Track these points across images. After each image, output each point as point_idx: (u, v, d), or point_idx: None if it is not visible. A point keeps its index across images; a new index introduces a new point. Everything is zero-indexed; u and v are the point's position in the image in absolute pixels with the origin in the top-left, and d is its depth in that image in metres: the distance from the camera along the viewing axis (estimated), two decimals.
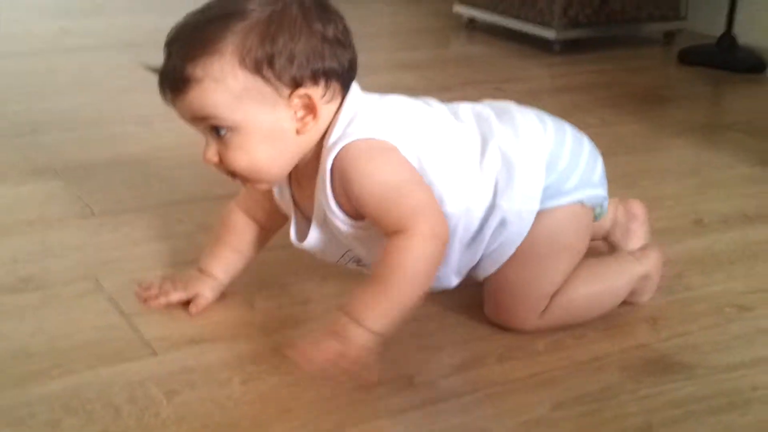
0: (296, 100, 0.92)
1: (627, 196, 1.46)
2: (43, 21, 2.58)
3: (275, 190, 1.04)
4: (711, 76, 2.28)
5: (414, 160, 0.95)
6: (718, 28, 2.39)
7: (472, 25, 2.74)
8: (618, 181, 1.52)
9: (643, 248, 1.15)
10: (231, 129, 0.91)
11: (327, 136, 0.95)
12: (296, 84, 0.91)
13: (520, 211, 1.00)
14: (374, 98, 0.99)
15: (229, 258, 1.09)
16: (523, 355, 1.00)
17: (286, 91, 0.91)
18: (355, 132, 0.93)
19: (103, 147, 1.64)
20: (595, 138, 1.74)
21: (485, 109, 1.05)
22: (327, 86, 0.93)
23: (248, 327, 1.04)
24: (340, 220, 0.96)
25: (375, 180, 0.92)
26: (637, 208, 1.22)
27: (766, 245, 1.30)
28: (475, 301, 1.10)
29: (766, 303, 1.14)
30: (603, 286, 1.07)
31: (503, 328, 1.04)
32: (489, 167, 0.99)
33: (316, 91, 0.92)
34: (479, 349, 1.01)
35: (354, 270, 1.07)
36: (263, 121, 0.91)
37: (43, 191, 1.40)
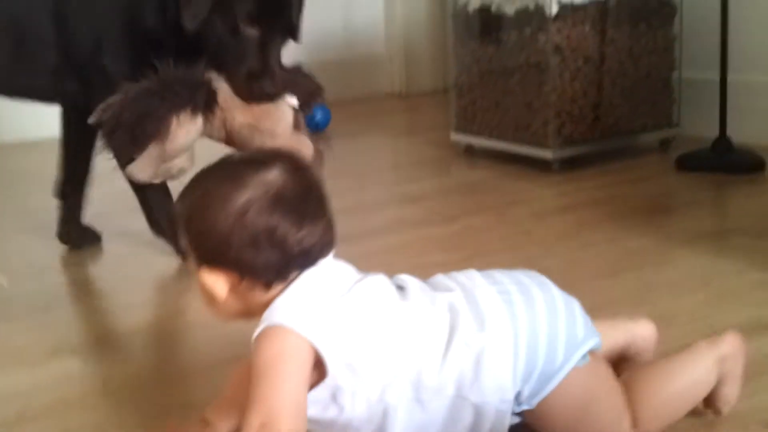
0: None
1: (640, 314, 1.46)
2: None
3: None
4: (711, 180, 2.31)
5: (333, 351, 0.96)
6: (712, 131, 2.43)
7: (470, 151, 2.80)
8: (628, 300, 1.53)
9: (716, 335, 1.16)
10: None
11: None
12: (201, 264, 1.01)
13: (492, 403, 1.00)
14: (319, 285, 1.01)
15: (235, 412, 1.09)
16: None
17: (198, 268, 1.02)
18: (275, 316, 0.97)
19: (119, 317, 1.66)
20: (602, 256, 1.77)
21: (457, 296, 1.05)
22: (243, 277, 1.00)
23: None
24: None
25: (258, 360, 0.95)
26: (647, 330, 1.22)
27: None
28: None
29: None
30: (683, 379, 1.10)
31: None
32: (453, 360, 0.99)
33: (224, 275, 1.00)
34: None
35: None
36: (204, 282, 1.03)
37: (61, 372, 1.41)
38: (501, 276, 1.09)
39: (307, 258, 1.00)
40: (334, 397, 0.98)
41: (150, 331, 1.55)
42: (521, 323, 1.02)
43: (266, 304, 0.99)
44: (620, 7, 2.54)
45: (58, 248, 2.06)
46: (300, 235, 0.99)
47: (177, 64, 1.54)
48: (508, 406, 1.01)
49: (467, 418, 1.01)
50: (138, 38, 1.73)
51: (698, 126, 2.66)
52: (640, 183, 2.34)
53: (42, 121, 3.02)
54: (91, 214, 2.11)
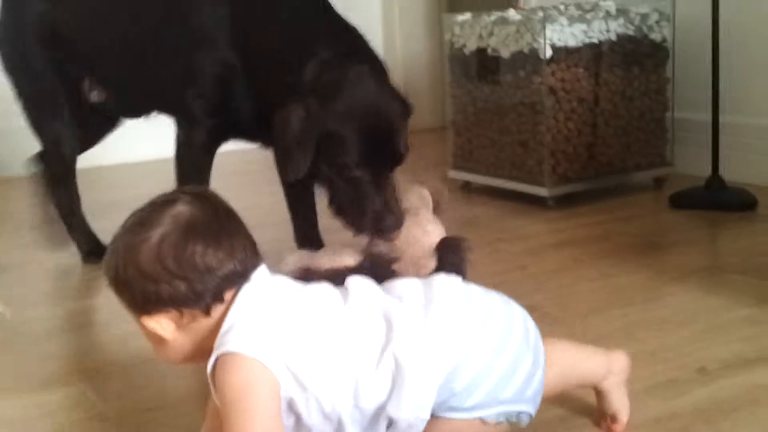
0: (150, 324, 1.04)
1: (627, 350, 1.49)
2: None
3: None
4: (703, 218, 2.34)
5: (281, 368, 0.99)
6: (705, 170, 2.47)
7: (467, 188, 2.84)
8: (618, 335, 1.56)
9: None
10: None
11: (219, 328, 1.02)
12: (140, 313, 1.03)
13: (407, 419, 1.02)
14: (261, 301, 1.04)
15: None
16: None
17: (137, 316, 1.04)
18: (229, 343, 0.99)
19: (117, 347, 1.69)
20: (594, 292, 1.80)
21: (408, 306, 1.06)
22: (168, 314, 1.03)
23: None
24: None
25: (225, 393, 0.98)
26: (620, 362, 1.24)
27: (767, 389, 1.32)
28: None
29: None
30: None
31: None
32: (384, 371, 1.01)
33: (161, 321, 1.03)
34: None
35: None
36: (147, 333, 1.07)
37: (60, 400, 1.43)
38: (479, 297, 1.11)
39: (235, 275, 1.03)
40: (290, 407, 1.01)
41: (148, 363, 1.58)
42: (458, 352, 1.03)
43: (214, 330, 1.02)
44: (613, 51, 2.60)
45: (59, 279, 2.10)
46: (221, 255, 1.02)
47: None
48: (421, 424, 1.02)
49: (382, 428, 1.03)
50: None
51: (691, 165, 2.71)
52: (634, 220, 2.38)
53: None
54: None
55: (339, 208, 1.61)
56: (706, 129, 2.49)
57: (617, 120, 2.61)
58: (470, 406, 1.03)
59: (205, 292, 1.01)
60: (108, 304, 1.99)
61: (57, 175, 2.22)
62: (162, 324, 1.03)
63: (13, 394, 1.46)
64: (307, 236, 2.04)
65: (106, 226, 2.28)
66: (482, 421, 1.04)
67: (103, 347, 1.71)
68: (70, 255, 2.28)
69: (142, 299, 1.02)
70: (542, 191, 2.53)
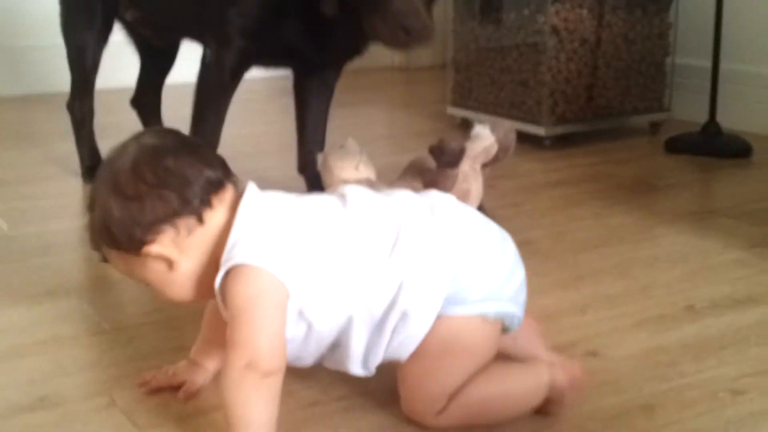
0: (153, 255, 1.04)
1: (619, 286, 1.51)
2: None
3: None
4: (698, 163, 2.36)
5: (291, 276, 1.00)
6: (702, 116, 2.48)
7: (465, 125, 2.84)
8: (610, 272, 1.58)
9: (564, 359, 1.14)
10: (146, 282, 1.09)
11: (222, 244, 1.02)
12: (140, 245, 1.03)
13: (421, 311, 1.03)
14: (264, 213, 1.05)
15: (218, 347, 1.15)
16: None
17: (138, 254, 1.04)
18: (237, 256, 1.00)
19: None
20: (587, 230, 1.82)
21: (414, 207, 1.08)
22: (166, 233, 1.03)
23: None
24: None
25: (234, 303, 1.00)
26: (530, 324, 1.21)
27: (755, 329, 1.35)
28: None
29: (758, 387, 1.17)
30: (501, 389, 1.07)
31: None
32: (396, 267, 1.02)
33: (163, 243, 1.03)
34: None
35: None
36: (151, 276, 1.07)
37: (56, 311, 1.45)
38: (474, 214, 1.13)
39: (216, 180, 1.05)
40: (300, 315, 1.02)
41: None
42: (463, 248, 1.06)
43: (216, 252, 1.03)
44: None
45: (60, 197, 2.10)
46: (196, 163, 1.04)
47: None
48: (431, 317, 1.03)
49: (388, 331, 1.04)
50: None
51: (689, 111, 2.71)
52: (629, 163, 2.39)
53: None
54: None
55: (364, 20, 1.59)
56: (706, 75, 2.49)
57: (618, 62, 2.60)
58: (476, 300, 1.04)
59: (191, 197, 1.02)
60: None
61: (75, 83, 2.24)
62: (165, 244, 1.03)
63: (9, 304, 1.48)
64: (313, 140, 2.03)
65: (106, 147, 2.30)
66: (483, 318, 1.05)
67: (99, 263, 1.71)
68: (75, 174, 2.28)
69: (137, 232, 1.02)
70: (540, 130, 2.53)
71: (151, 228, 1.02)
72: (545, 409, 1.09)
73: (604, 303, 1.45)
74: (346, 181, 1.53)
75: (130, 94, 2.41)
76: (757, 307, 1.43)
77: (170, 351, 1.29)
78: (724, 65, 2.49)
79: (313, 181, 1.96)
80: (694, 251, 1.69)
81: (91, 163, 2.24)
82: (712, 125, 2.44)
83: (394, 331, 1.03)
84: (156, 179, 1.02)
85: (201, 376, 1.17)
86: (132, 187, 1.02)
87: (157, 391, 1.17)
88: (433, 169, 1.67)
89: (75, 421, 1.11)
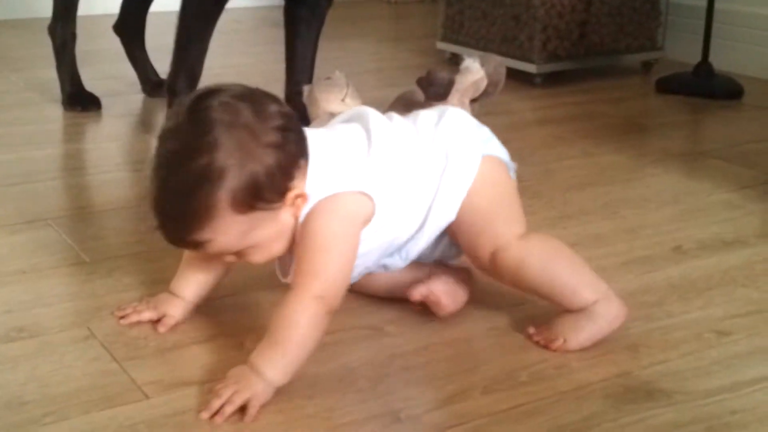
0: (289, 201, 1.02)
1: (607, 225, 1.50)
2: None
3: None
4: (689, 103, 2.33)
5: (374, 197, 1.06)
6: (694, 57, 2.45)
7: (454, 60, 2.79)
8: (598, 212, 1.57)
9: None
10: (248, 248, 1.04)
11: None
12: (285, 192, 1.01)
13: (464, 156, 1.13)
14: (323, 144, 1.07)
15: (198, 280, 1.16)
16: (507, 387, 1.03)
17: (280, 204, 1.01)
18: (322, 187, 1.04)
19: (94, 194, 1.67)
20: (576, 169, 1.80)
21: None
22: (301, 169, 1.03)
23: None
24: None
25: (319, 233, 1.03)
26: None
27: (742, 270, 1.34)
28: (460, 335, 1.12)
29: (743, 328, 1.17)
30: (558, 269, 1.11)
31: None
32: (441, 138, 1.14)
33: (299, 183, 1.02)
34: (464, 382, 1.03)
35: (342, 309, 1.10)
36: (271, 230, 1.03)
37: (36, 240, 1.42)
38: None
39: (302, 126, 1.06)
40: (383, 225, 1.08)
41: (124, 210, 1.57)
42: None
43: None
44: None
45: (40, 123, 2.06)
46: (285, 107, 1.05)
47: None
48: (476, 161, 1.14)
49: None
50: None
51: (681, 51, 2.68)
52: (620, 102, 2.36)
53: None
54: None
55: None
56: (700, 15, 2.44)
57: None
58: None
59: (300, 143, 1.03)
60: (85, 151, 1.97)
61: (57, 5, 2.17)
62: (299, 185, 1.02)
63: None
64: (301, 69, 1.99)
65: (87, 74, 2.26)
66: (500, 160, 1.20)
67: (79, 193, 1.69)
68: (56, 100, 2.23)
69: (282, 176, 1.00)
70: (531, 68, 2.49)
71: (290, 172, 1.01)
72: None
73: (592, 242, 1.43)
74: (332, 114, 1.50)
75: (113, 20, 2.35)
76: (744, 248, 1.42)
77: (151, 283, 1.27)
78: (718, 5, 2.44)
79: (300, 112, 1.92)
80: (684, 192, 1.67)
81: (72, 90, 2.19)
82: (704, 66, 2.40)
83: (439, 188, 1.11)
84: (282, 122, 1.01)
85: (180, 309, 1.16)
86: (269, 135, 0.99)
87: (136, 323, 1.15)
88: (421, 102, 1.64)
89: (52, 353, 1.09)
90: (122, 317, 1.16)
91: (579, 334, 1.10)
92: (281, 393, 0.99)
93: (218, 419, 0.94)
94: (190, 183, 0.97)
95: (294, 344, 0.98)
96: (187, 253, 1.16)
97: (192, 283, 1.16)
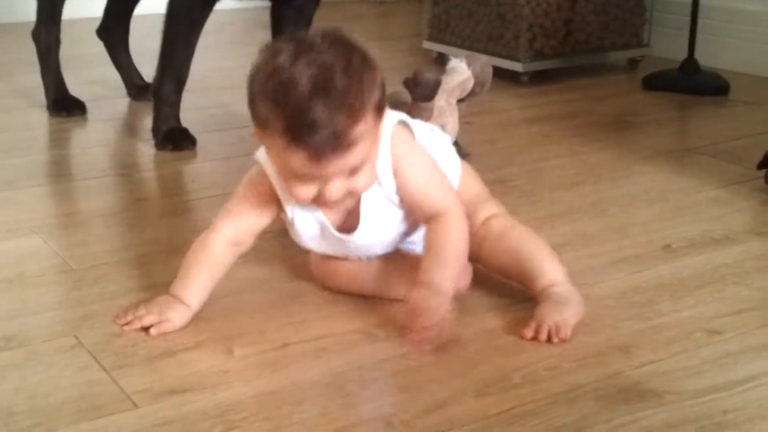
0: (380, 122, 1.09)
1: (596, 224, 1.50)
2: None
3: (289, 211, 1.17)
4: (676, 100, 2.33)
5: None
6: (680, 53, 2.45)
7: (441, 60, 2.78)
8: (586, 210, 1.56)
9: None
10: (363, 165, 1.07)
11: None
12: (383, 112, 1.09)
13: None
14: None
15: (205, 287, 1.18)
16: (499, 390, 1.02)
17: (381, 121, 1.09)
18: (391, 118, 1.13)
19: (80, 200, 1.66)
20: (563, 167, 1.80)
21: None
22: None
23: (228, 375, 1.05)
24: (394, 203, 1.16)
25: (418, 164, 1.16)
26: None
27: (732, 268, 1.33)
28: (450, 338, 1.12)
29: (734, 326, 1.16)
30: (537, 243, 1.22)
31: None
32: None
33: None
34: (456, 386, 1.03)
35: (330, 314, 1.10)
36: (376, 150, 1.10)
37: (21, 248, 1.41)
38: None
39: None
40: None
41: (110, 216, 1.55)
42: None
43: None
44: None
45: (24, 129, 2.05)
46: None
47: None
48: None
49: None
50: None
51: (667, 47, 2.68)
52: (606, 100, 2.36)
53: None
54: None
55: None
56: (686, 11, 2.45)
57: None
58: None
59: None
60: (71, 157, 1.95)
61: (42, 10, 2.15)
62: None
63: None
64: None
65: (71, 79, 2.24)
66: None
67: (65, 199, 1.67)
68: (41, 106, 2.21)
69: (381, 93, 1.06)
70: (517, 66, 2.49)
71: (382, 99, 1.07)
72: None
73: (580, 242, 1.43)
74: None
75: (97, 23, 2.33)
76: (734, 246, 1.42)
77: (138, 290, 1.26)
78: (703, 1, 2.44)
79: None
80: (672, 189, 1.67)
81: (57, 95, 2.18)
82: (690, 62, 2.40)
83: None
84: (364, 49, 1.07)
85: (185, 317, 1.15)
86: (369, 59, 1.06)
87: (141, 329, 1.14)
88: (408, 103, 1.63)
89: (40, 362, 1.08)
90: (125, 324, 1.15)
91: (568, 320, 1.13)
92: (269, 401, 0.98)
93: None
94: (353, 75, 1.02)
95: (459, 258, 1.14)
96: (196, 259, 1.17)
97: (200, 291, 1.16)
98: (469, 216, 1.20)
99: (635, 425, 0.95)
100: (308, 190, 1.06)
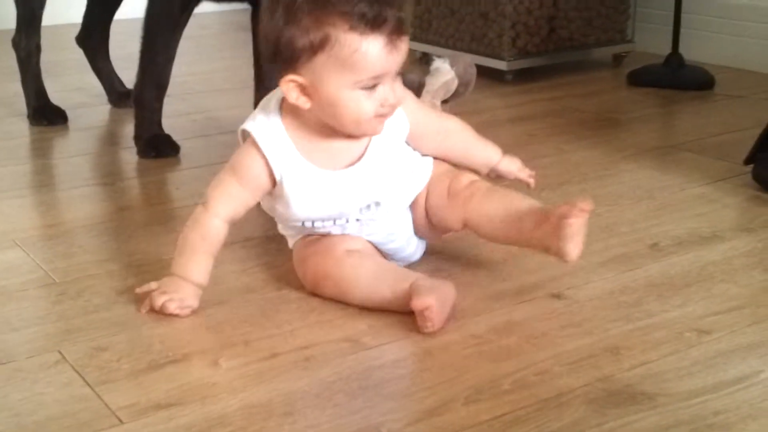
0: None
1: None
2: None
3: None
4: (661, 95, 2.33)
5: None
6: (664, 48, 2.44)
7: (425, 59, 2.77)
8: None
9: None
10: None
11: None
12: None
13: None
14: None
15: (209, 265, 1.22)
16: (489, 396, 1.01)
17: None
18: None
19: (62, 210, 1.64)
20: (549, 167, 1.79)
21: None
22: None
23: (215, 387, 1.04)
24: (399, 146, 1.25)
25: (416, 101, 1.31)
26: None
27: (720, 265, 1.33)
28: (438, 344, 1.11)
29: (724, 325, 1.16)
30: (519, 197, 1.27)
31: None
32: None
33: None
34: (446, 393, 1.02)
35: (317, 322, 1.08)
36: None
37: (3, 261, 1.39)
38: None
39: None
40: None
41: (93, 227, 1.54)
42: None
43: None
44: None
45: (4, 140, 2.03)
46: None
47: None
48: None
49: None
50: None
51: (652, 43, 2.67)
52: (591, 97, 2.35)
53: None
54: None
55: None
56: (669, 6, 2.44)
57: None
58: None
59: None
60: (53, 166, 1.93)
61: (21, 17, 2.13)
62: None
63: None
64: (270, 76, 1.95)
65: (52, 87, 2.22)
66: None
67: (47, 210, 1.65)
68: (21, 115, 2.19)
69: None
70: (501, 65, 2.48)
71: None
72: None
73: None
74: None
75: (77, 30, 2.31)
76: (721, 243, 1.41)
77: (123, 303, 1.24)
78: None
79: None
80: (658, 187, 1.66)
81: (38, 104, 2.15)
82: (674, 57, 2.40)
83: None
84: None
85: (197, 297, 1.20)
86: None
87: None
88: None
89: (23, 379, 1.06)
90: (146, 306, 1.20)
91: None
92: (258, 413, 0.97)
93: None
94: None
95: None
96: (196, 238, 1.21)
97: (204, 271, 1.21)
98: (453, 179, 1.28)
99: (627, 428, 0.94)
100: (371, 104, 1.13)
